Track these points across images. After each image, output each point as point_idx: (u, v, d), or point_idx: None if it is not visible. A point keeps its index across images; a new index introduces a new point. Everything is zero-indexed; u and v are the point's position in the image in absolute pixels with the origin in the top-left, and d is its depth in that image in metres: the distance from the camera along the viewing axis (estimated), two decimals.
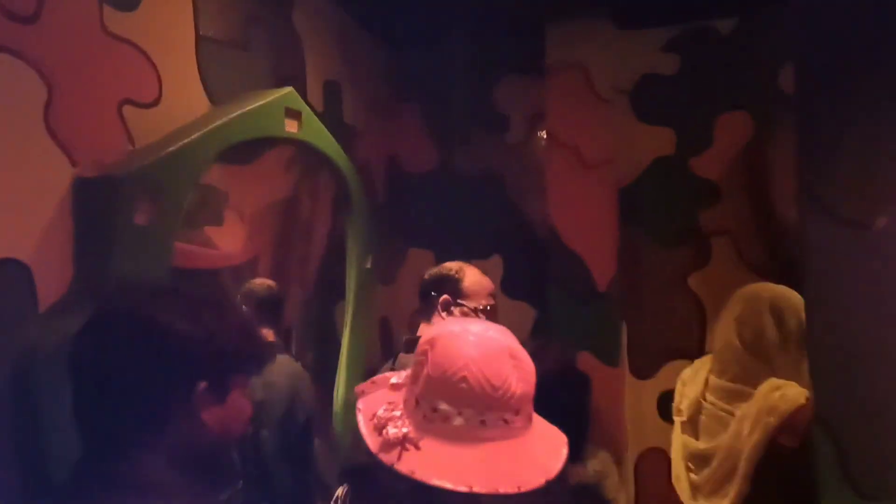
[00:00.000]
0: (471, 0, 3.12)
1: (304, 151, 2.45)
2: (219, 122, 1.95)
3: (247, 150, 2.37)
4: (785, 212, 2.90)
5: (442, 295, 2.17)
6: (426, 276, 2.26)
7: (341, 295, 2.76)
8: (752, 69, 3.10)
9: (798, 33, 1.72)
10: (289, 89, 2.22)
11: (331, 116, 2.87)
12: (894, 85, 1.57)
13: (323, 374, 2.60)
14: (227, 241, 2.53)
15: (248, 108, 2.04)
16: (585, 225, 3.03)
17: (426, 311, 2.21)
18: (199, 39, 2.13)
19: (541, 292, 3.19)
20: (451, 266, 2.25)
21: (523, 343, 1.22)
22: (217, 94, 2.17)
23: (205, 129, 1.90)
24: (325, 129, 2.38)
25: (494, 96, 3.45)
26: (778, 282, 2.21)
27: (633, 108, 3.25)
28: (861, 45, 1.60)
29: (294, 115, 2.20)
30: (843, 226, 1.55)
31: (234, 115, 1.99)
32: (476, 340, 1.13)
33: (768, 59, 3.07)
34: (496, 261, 3.36)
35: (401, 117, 3.54)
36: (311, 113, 2.30)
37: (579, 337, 3.01)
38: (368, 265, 2.61)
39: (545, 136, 3.24)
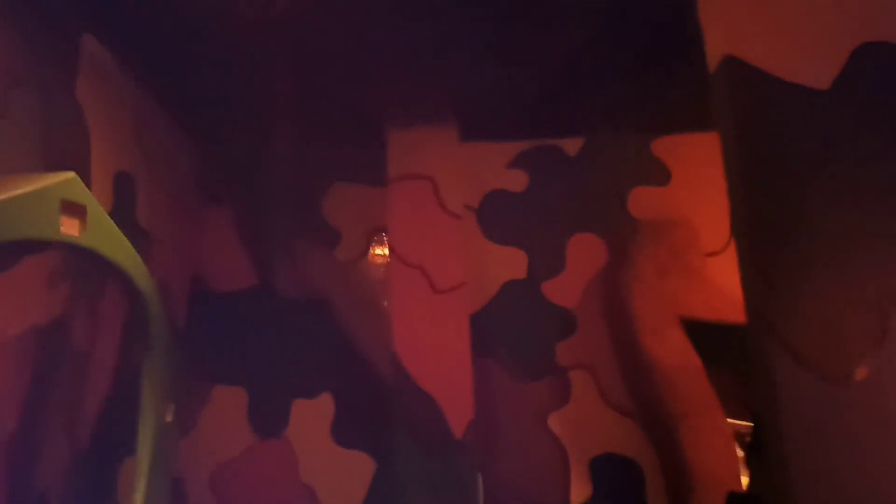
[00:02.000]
0: (297, 95, 2.70)
1: (81, 259, 1.80)
2: None
3: None
4: (645, 344, 2.68)
5: None
6: None
7: (130, 451, 2.03)
8: (601, 191, 2.95)
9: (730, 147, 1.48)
10: (70, 174, 1.59)
11: (122, 218, 2.23)
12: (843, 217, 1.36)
13: None
14: None
15: (5, 196, 1.39)
16: (437, 359, 2.59)
17: None
18: None
19: (382, 440, 2.65)
20: None
21: None
22: None
23: None
24: (121, 234, 1.75)
25: (324, 205, 2.99)
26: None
27: (481, 226, 2.95)
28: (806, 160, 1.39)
29: (75, 211, 1.56)
30: (820, 378, 1.27)
31: None
32: None
33: (615, 181, 2.95)
34: (325, 400, 2.79)
35: (209, 223, 2.94)
36: (101, 210, 1.67)
37: (430, 494, 2.50)
38: (170, 418, 1.94)
39: (386, 255, 2.82)
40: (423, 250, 2.68)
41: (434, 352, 2.59)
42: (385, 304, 2.76)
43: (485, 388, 2.67)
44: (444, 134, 2.80)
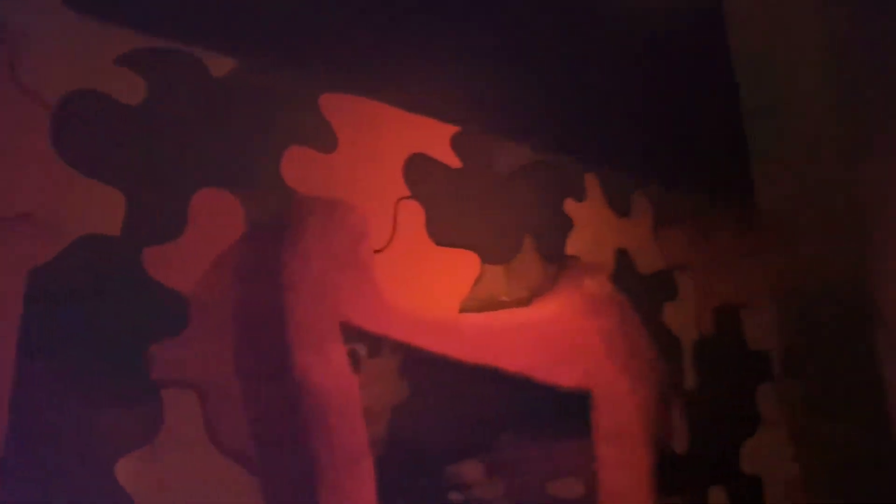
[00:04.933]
0: None
1: None
2: None
3: None
4: (301, 360, 1.86)
5: None
6: None
7: None
8: (250, 135, 2.07)
9: None
10: None
11: None
12: None
13: None
14: None
15: None
16: None
17: None
18: None
19: None
20: None
21: None
22: None
23: None
24: None
25: None
26: None
27: (55, 143, 1.75)
28: None
29: None
30: None
31: None
32: None
33: (270, 126, 2.11)
34: None
35: None
36: None
37: None
38: None
39: None
40: None
41: None
42: None
43: (27, 405, 1.48)
44: None
